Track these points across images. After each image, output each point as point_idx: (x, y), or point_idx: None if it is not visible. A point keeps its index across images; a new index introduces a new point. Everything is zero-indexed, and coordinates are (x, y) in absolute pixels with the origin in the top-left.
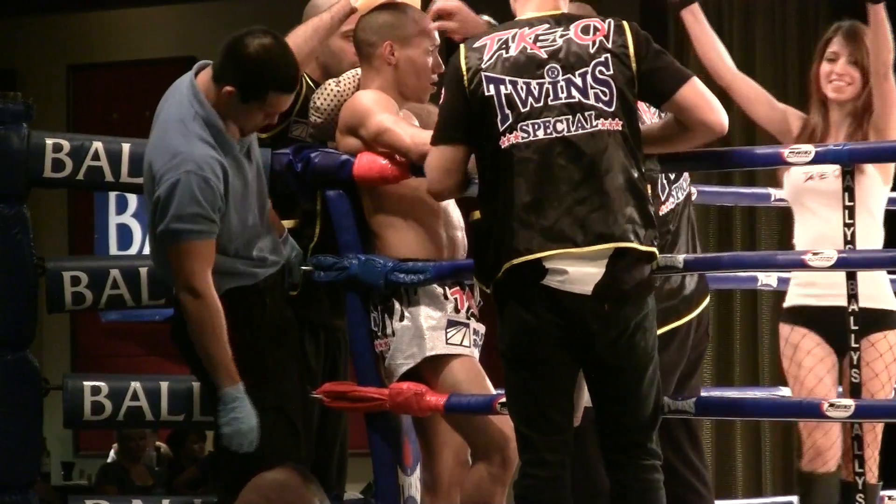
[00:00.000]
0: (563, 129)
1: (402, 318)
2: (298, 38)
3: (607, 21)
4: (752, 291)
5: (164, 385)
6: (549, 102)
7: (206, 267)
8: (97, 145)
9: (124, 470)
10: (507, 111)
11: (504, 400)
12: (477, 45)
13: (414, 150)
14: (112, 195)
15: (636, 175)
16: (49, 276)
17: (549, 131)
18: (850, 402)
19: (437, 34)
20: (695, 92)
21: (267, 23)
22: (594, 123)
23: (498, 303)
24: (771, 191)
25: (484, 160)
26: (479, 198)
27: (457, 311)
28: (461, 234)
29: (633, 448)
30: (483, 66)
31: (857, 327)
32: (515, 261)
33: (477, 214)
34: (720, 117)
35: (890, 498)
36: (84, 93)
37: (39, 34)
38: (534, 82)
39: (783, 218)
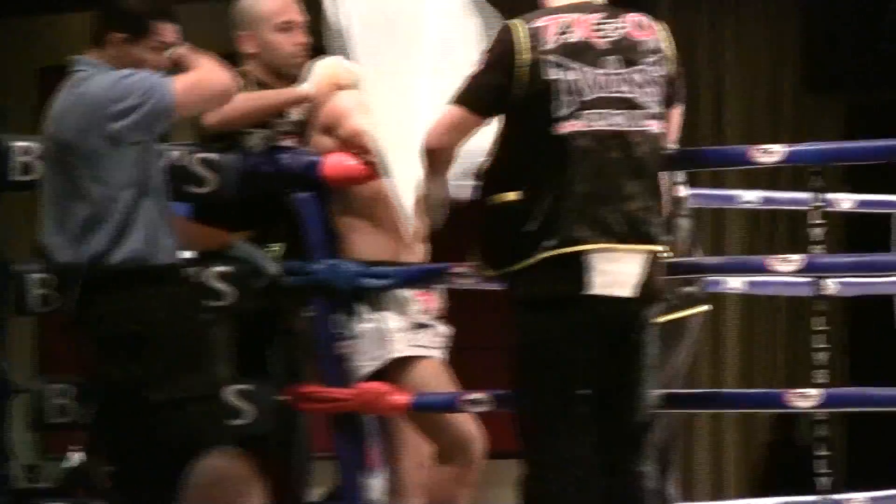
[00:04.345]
0: (619, 123)
1: (366, 320)
2: (245, 99)
3: (650, 18)
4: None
5: None
6: (609, 94)
7: None
8: None
9: (90, 473)
10: (569, 97)
11: (474, 397)
12: (535, 25)
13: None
14: None
15: (664, 179)
16: (16, 279)
17: (607, 123)
18: (816, 391)
19: None
20: (681, 113)
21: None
22: (645, 123)
23: (522, 294)
24: (739, 192)
25: (529, 143)
26: (515, 181)
27: (422, 313)
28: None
29: (633, 448)
30: (545, 48)
31: (826, 327)
32: (568, 249)
33: (507, 197)
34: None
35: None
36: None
37: (9, 37)
38: (596, 71)
39: (751, 220)
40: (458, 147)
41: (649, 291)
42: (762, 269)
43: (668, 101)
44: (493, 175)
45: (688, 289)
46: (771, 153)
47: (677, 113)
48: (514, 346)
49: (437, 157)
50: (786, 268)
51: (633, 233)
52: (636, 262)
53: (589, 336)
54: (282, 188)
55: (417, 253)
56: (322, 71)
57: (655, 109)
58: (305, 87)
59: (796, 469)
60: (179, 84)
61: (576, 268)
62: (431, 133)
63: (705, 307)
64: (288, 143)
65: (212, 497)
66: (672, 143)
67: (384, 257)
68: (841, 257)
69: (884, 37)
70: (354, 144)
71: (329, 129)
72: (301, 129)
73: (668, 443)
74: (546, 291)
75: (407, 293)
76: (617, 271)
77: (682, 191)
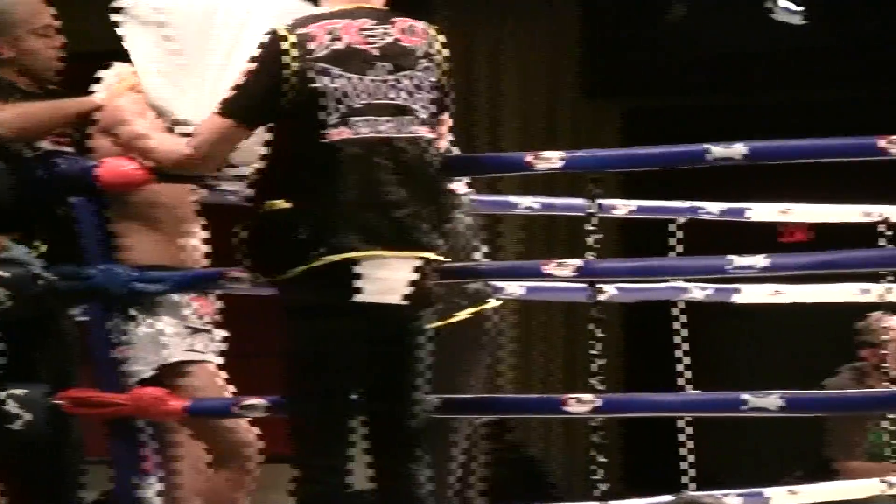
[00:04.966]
0: (388, 130)
1: (141, 324)
2: (39, 110)
3: (423, 24)
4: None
5: None
6: (377, 101)
7: None
8: None
9: None
10: (337, 105)
11: (249, 402)
12: (303, 32)
13: (165, 158)
14: None
15: (442, 184)
16: None
17: (375, 130)
18: (593, 396)
19: None
20: (449, 122)
21: None
22: (415, 129)
23: (293, 302)
24: (515, 198)
25: (298, 151)
26: (285, 189)
27: (196, 317)
28: (201, 243)
29: (407, 453)
30: (312, 55)
31: (602, 334)
32: (336, 257)
33: (278, 204)
34: None
35: None
36: None
37: None
38: (363, 78)
39: (526, 226)
40: (224, 157)
41: (421, 297)
42: (539, 274)
43: (441, 107)
44: (263, 182)
45: (472, 286)
46: (548, 160)
47: (446, 122)
48: (285, 352)
49: (202, 168)
50: (562, 272)
51: (403, 239)
52: (406, 268)
53: (359, 343)
54: (57, 193)
55: (195, 257)
56: (111, 77)
57: (426, 115)
58: (97, 95)
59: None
60: None
61: (345, 276)
62: (199, 144)
63: (493, 302)
64: (49, 144)
65: None
66: (442, 152)
67: (161, 262)
68: (616, 262)
69: (661, 43)
70: (133, 147)
71: (109, 131)
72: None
73: (469, 450)
74: (316, 299)
75: (182, 298)
76: (386, 278)
77: (460, 187)
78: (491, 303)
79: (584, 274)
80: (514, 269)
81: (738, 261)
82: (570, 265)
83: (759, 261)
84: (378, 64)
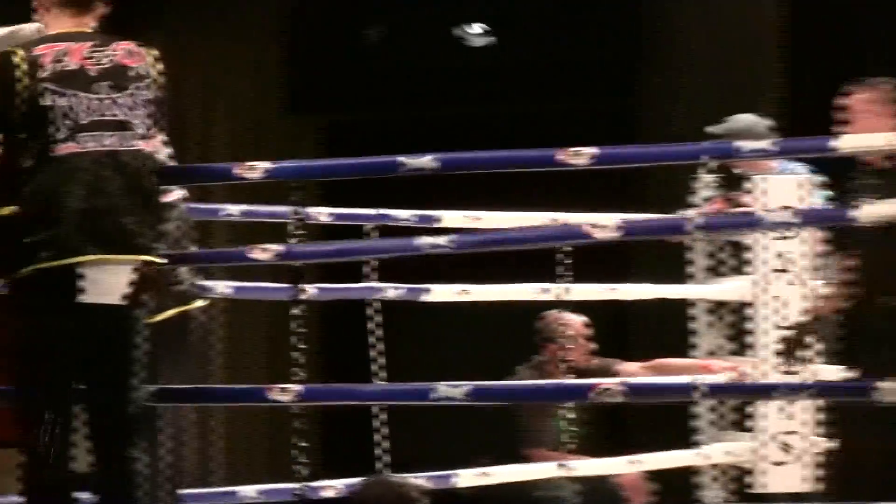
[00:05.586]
0: (112, 144)
1: None
2: None
3: (140, 46)
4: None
5: None
6: (101, 118)
7: None
8: None
9: None
10: (65, 122)
11: None
12: (33, 53)
13: None
14: None
15: (159, 193)
16: None
17: (101, 145)
18: (295, 387)
19: None
20: (164, 135)
21: None
22: (135, 143)
23: (22, 301)
24: (223, 206)
25: (29, 163)
26: (15, 196)
27: None
28: None
29: (124, 438)
30: (42, 75)
31: (304, 329)
32: (63, 261)
33: (5, 210)
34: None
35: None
36: None
37: None
38: (88, 97)
39: (234, 232)
40: None
41: (138, 297)
42: (244, 258)
43: (157, 122)
44: None
45: (178, 287)
46: (255, 169)
47: (161, 135)
48: (13, 346)
49: None
50: (265, 256)
51: (124, 245)
52: (126, 271)
53: (81, 339)
54: None
55: None
56: None
57: (144, 130)
58: None
59: None
60: None
61: (70, 278)
62: None
63: (200, 302)
64: None
65: None
66: (158, 163)
67: None
68: (315, 246)
69: (359, 61)
70: None
71: None
72: None
73: (178, 436)
74: (43, 299)
75: None
76: (107, 281)
77: (175, 195)
78: (197, 303)
79: (286, 257)
80: (222, 255)
81: (426, 240)
82: (272, 249)
83: (444, 240)
84: (102, 83)
